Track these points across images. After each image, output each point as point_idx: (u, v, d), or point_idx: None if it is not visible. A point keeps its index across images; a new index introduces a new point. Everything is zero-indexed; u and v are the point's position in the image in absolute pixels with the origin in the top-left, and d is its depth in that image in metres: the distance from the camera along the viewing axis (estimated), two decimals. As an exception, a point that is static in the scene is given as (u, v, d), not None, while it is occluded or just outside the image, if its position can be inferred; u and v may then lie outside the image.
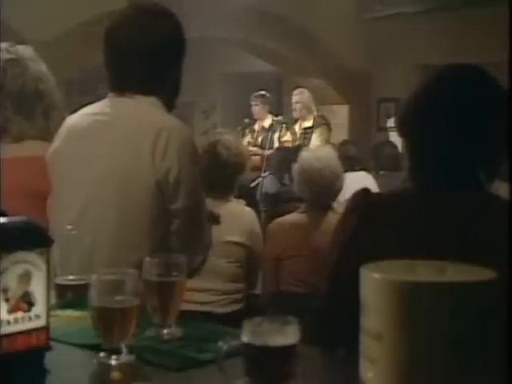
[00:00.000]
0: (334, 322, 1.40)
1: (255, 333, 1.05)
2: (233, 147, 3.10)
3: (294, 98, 6.99)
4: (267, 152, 7.05)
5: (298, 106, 6.96)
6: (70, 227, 1.70)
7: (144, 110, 1.97)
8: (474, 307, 0.93)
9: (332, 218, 3.22)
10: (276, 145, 7.21)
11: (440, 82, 1.54)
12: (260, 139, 7.50)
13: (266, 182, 6.53)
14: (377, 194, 1.56)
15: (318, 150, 3.27)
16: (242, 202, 3.43)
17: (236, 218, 3.09)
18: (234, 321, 2.67)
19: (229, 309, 2.96)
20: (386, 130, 8.23)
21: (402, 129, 1.55)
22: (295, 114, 7.00)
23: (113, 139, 1.94)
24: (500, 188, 1.89)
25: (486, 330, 0.93)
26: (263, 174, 6.79)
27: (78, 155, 1.98)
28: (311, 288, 3.00)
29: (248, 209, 3.20)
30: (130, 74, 1.97)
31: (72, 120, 2.05)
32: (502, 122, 1.46)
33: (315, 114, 7.00)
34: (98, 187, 1.93)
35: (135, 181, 1.89)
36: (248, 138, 7.61)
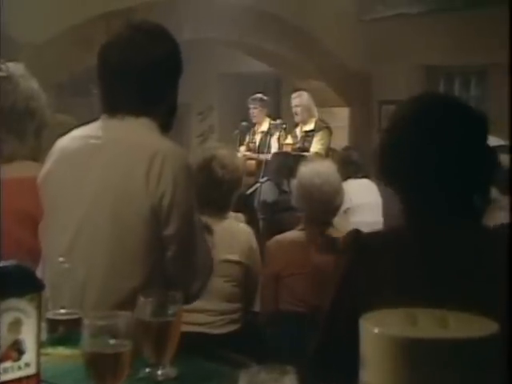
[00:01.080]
0: (331, 372, 1.40)
1: (253, 383, 1.05)
2: (228, 163, 3.10)
3: (294, 102, 6.98)
4: (265, 156, 7.05)
5: (298, 110, 6.95)
6: (61, 259, 1.70)
7: (138, 132, 1.97)
8: (475, 362, 0.93)
9: (331, 235, 3.23)
10: (274, 149, 7.21)
11: (414, 119, 1.53)
12: (258, 143, 7.51)
13: (264, 189, 6.52)
14: (369, 233, 1.56)
15: (318, 164, 3.27)
16: (240, 216, 3.43)
17: (233, 236, 3.08)
18: (231, 342, 2.67)
19: (226, 329, 2.96)
20: (387, 132, 8.24)
21: (385, 177, 1.55)
22: (296, 119, 6.99)
23: (105, 163, 1.94)
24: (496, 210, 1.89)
25: (487, 382, 0.93)
26: (261, 180, 6.78)
27: (70, 179, 1.98)
28: (311, 307, 3.00)
29: (245, 226, 3.20)
30: (123, 94, 1.97)
31: (63, 142, 2.05)
32: (483, 143, 1.47)
33: (316, 116, 7.00)
34: (91, 212, 1.93)
35: (129, 206, 1.89)
36: (245, 142, 7.63)
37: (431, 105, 1.55)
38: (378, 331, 0.95)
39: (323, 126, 6.92)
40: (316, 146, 6.83)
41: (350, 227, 4.46)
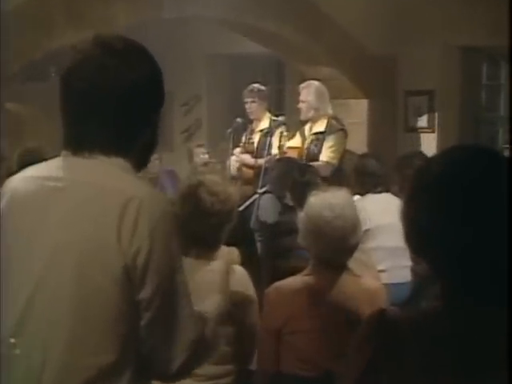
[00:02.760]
0: None
1: None
2: (219, 191, 3.11)
3: (301, 95, 6.98)
4: (264, 161, 7.02)
5: (303, 107, 6.96)
6: (12, 340, 1.71)
7: (108, 174, 1.98)
8: None
9: (346, 282, 3.24)
10: (275, 152, 7.21)
11: (449, 181, 1.55)
12: (256, 144, 7.50)
13: (263, 203, 6.51)
14: (396, 316, 1.58)
15: (330, 194, 3.27)
16: (233, 252, 3.42)
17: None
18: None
19: (216, 397, 2.98)
20: (416, 130, 8.24)
21: (415, 250, 1.58)
22: (302, 116, 7.00)
23: (68, 212, 1.94)
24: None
25: None
26: (259, 190, 6.77)
27: (24, 230, 1.98)
28: (319, 371, 3.01)
29: (240, 269, 3.21)
30: (90, 127, 1.98)
31: (15, 183, 2.06)
32: None
33: (329, 114, 6.99)
34: (49, 271, 1.93)
35: (96, 265, 1.90)
36: (241, 143, 7.62)
37: (469, 161, 1.56)
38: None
39: (337, 128, 6.90)
40: (326, 153, 6.81)
41: (369, 262, 4.49)
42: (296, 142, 7.10)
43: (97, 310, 1.91)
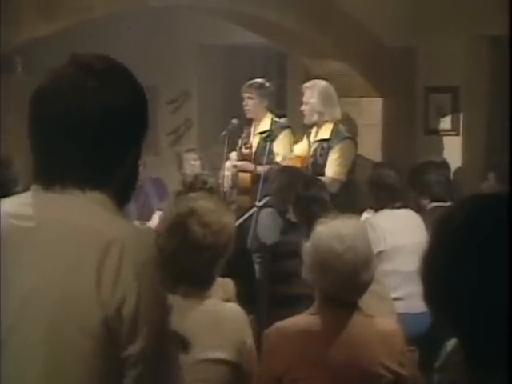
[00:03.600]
0: None
1: None
2: (212, 221, 3.10)
3: (304, 96, 6.99)
4: (264, 169, 7.03)
5: (306, 109, 6.96)
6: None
7: (84, 212, 1.97)
8: None
9: (358, 323, 3.23)
10: (278, 159, 7.21)
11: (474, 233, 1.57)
12: (255, 149, 7.50)
13: (263, 219, 6.52)
14: None
15: (339, 223, 3.27)
16: (228, 285, 3.41)
17: (218, 324, 3.07)
18: None
19: None
20: (438, 133, 8.24)
21: (436, 310, 1.60)
22: (304, 120, 7.01)
23: (39, 255, 1.94)
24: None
25: None
26: (258, 203, 6.78)
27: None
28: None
29: (235, 308, 3.20)
30: (65, 159, 1.98)
31: None
32: None
33: (337, 117, 6.99)
34: (17, 324, 1.93)
35: (72, 317, 1.90)
36: (237, 147, 7.62)
37: (494, 211, 1.57)
38: None
39: (344, 137, 6.91)
40: (332, 167, 6.82)
41: (383, 294, 4.49)
42: (300, 148, 7.10)
43: (71, 369, 1.90)
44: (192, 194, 3.42)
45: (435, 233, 1.62)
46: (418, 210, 5.99)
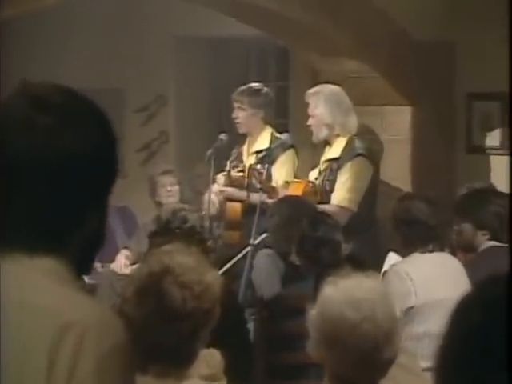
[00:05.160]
0: None
1: None
2: (193, 281, 3.15)
3: (309, 107, 7.03)
4: (260, 198, 7.03)
5: (313, 124, 6.99)
6: None
7: (35, 285, 2.00)
8: None
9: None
10: (278, 183, 7.23)
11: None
12: (247, 173, 7.50)
13: (259, 263, 6.54)
14: None
15: (355, 283, 3.28)
16: (214, 356, 3.44)
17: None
18: None
19: None
20: (483, 151, 8.24)
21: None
22: (312, 138, 7.05)
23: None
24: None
25: None
26: (253, 242, 6.78)
27: None
28: None
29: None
30: (12, 218, 2.03)
31: None
32: None
33: (352, 132, 7.02)
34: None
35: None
36: (226, 169, 7.62)
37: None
38: None
39: (356, 153, 6.94)
40: (341, 192, 6.86)
41: (414, 368, 4.53)
42: (315, 173, 7.12)
43: None
44: (166, 247, 3.42)
45: (451, 324, 1.70)
46: (467, 249, 5.98)
